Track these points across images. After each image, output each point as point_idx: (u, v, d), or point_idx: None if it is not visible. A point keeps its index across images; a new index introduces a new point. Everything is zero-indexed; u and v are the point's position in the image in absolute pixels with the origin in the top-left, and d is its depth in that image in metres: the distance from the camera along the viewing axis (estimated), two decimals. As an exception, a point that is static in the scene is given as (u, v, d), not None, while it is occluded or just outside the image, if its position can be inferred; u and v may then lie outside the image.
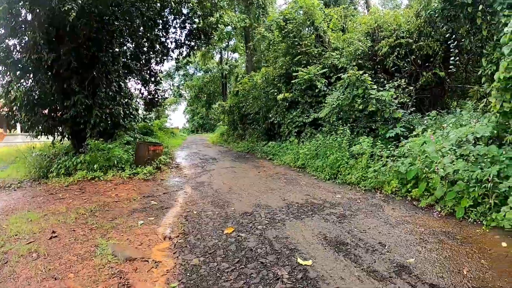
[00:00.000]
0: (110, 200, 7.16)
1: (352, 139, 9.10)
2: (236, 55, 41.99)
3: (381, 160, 7.30)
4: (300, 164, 10.14)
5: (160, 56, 15.19)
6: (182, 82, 49.32)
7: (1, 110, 12.89)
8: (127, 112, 13.62)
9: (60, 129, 12.47)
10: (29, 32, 9.89)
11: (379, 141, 8.18)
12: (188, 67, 44.29)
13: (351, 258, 3.77)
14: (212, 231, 5.00)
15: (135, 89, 15.51)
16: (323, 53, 13.01)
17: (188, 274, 3.64)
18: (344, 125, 9.73)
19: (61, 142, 13.40)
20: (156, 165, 11.32)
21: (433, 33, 9.68)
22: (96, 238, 4.74)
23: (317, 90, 11.74)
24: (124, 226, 5.35)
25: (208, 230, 5.07)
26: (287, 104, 13.23)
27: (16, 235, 4.94)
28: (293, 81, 12.62)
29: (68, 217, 5.79)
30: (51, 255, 4.18)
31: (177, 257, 4.15)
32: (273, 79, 14.56)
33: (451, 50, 8.60)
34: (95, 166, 10.21)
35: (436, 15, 8.55)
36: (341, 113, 9.75)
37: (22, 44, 10.66)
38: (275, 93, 13.84)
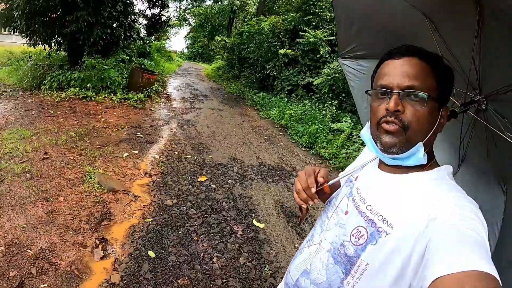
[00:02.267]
0: (99, 125, 7.76)
1: (337, 115, 9.58)
2: (251, -9, 40.86)
3: (356, 144, 7.84)
4: (283, 123, 10.61)
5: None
6: (190, 7, 48.07)
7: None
8: (128, 34, 13.81)
9: (59, 39, 12.68)
10: None
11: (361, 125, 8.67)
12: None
13: (297, 230, 4.48)
14: (188, 175, 5.71)
15: (138, 10, 15.49)
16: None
17: (161, 213, 4.39)
18: (334, 99, 10.19)
19: (57, 53, 13.68)
20: (148, 93, 11.81)
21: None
22: (85, 164, 5.42)
23: (318, 55, 11.97)
24: (110, 156, 6.02)
25: (185, 174, 5.77)
26: (287, 60, 13.43)
27: (10, 153, 5.49)
28: (298, 40, 12.77)
29: (59, 139, 6.40)
30: (43, 177, 4.84)
31: (154, 195, 4.88)
32: (280, 31, 14.61)
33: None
34: (88, 85, 10.64)
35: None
36: (334, 86, 10.15)
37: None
38: (278, 47, 13.98)
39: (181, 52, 53.32)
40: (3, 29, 32.06)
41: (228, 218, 4.47)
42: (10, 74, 12.98)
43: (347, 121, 8.77)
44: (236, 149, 7.61)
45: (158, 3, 15.43)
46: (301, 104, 11.18)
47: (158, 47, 27.00)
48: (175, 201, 4.76)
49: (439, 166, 1.07)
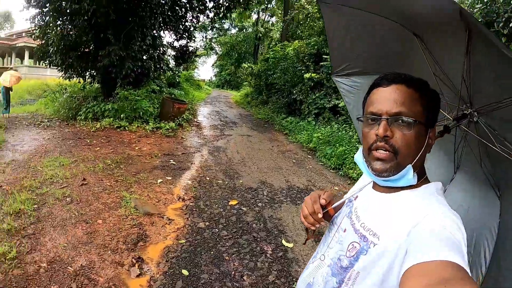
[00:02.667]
0: (134, 154, 8.16)
1: None
2: (273, 19, 41.75)
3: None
4: (312, 146, 10.68)
5: (197, 13, 15.85)
6: (216, 36, 49.48)
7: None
8: (158, 66, 14.45)
9: (93, 72, 13.45)
10: None
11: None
12: (223, 21, 44.36)
13: None
14: (219, 200, 5.94)
15: (166, 42, 16.19)
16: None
17: (194, 234, 4.61)
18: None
19: (91, 85, 14.46)
20: (179, 122, 12.26)
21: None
22: (121, 190, 5.76)
23: None
24: (145, 182, 6.35)
25: (216, 198, 6.01)
26: (312, 84, 13.64)
27: (51, 179, 5.97)
28: (322, 63, 13.00)
29: (96, 166, 6.81)
30: (83, 201, 5.21)
31: (187, 218, 5.13)
32: (304, 56, 14.86)
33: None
34: (121, 115, 11.19)
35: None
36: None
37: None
38: (303, 71, 14.22)
39: (209, 80, 54.60)
40: (38, 63, 34.18)
41: (258, 239, 4.64)
42: (46, 106, 13.85)
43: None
44: (266, 173, 7.78)
45: (185, 35, 16.10)
46: (328, 126, 11.31)
47: (187, 77, 27.88)
48: (207, 223, 4.98)
49: (429, 182, 1.18)
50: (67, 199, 5.24)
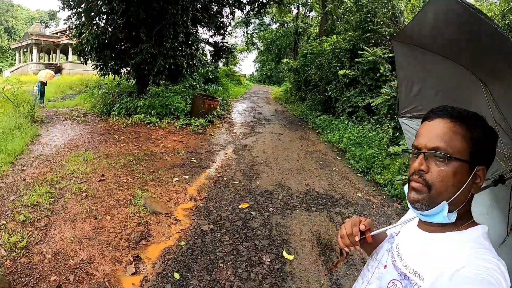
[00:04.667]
0: (157, 150, 8.43)
1: (397, 138, 9.15)
2: (312, 13, 41.43)
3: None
4: (342, 147, 10.43)
5: (232, 7, 16.12)
6: (257, 31, 49.77)
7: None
8: (191, 63, 14.77)
9: (128, 69, 14.02)
10: None
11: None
12: (264, 17, 44.42)
13: (328, 266, 4.32)
14: (230, 202, 5.97)
15: (203, 39, 16.48)
16: (394, 35, 12.83)
17: (196, 237, 4.70)
18: (392, 120, 9.83)
19: (127, 81, 15.05)
20: (209, 118, 12.50)
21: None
22: (135, 188, 5.98)
23: (378, 74, 11.73)
24: (161, 180, 6.56)
25: (228, 200, 6.05)
26: (347, 81, 13.31)
27: (72, 174, 6.34)
28: (356, 60, 12.61)
29: (117, 162, 7.13)
30: (97, 197, 5.48)
31: (194, 219, 5.23)
32: (339, 52, 14.54)
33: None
34: (152, 111, 11.58)
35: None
36: (394, 106, 9.79)
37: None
38: (338, 68, 13.89)
39: (250, 75, 54.98)
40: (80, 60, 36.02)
41: (259, 247, 4.60)
42: (85, 101, 14.56)
43: (404, 145, 8.41)
44: (287, 175, 7.66)
45: (221, 31, 16.39)
46: (360, 126, 11.00)
47: (226, 72, 28.22)
48: (211, 226, 5.04)
49: (476, 225, 1.14)
50: (83, 194, 5.54)
